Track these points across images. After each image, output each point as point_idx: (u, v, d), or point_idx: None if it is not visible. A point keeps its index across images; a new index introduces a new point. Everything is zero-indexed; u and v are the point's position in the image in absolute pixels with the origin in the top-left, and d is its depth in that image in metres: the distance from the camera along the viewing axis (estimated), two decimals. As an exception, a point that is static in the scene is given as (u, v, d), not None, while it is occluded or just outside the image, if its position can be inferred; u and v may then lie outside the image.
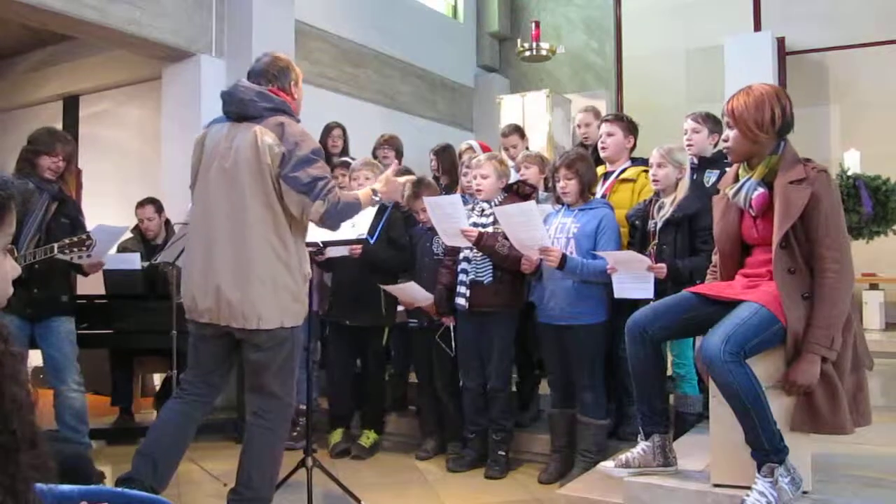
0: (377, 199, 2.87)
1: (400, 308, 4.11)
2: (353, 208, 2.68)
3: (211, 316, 2.60)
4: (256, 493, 2.59)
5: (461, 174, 4.23)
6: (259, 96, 2.63)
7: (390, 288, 3.85)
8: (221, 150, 2.62)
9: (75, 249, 3.10)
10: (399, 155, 5.25)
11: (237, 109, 2.65)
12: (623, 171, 3.82)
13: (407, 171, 4.50)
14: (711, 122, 3.77)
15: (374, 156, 5.32)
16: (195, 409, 2.73)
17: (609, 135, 3.82)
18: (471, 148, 4.83)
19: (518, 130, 4.88)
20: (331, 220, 2.61)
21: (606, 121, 3.90)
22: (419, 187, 4.02)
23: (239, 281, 2.54)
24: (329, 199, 2.55)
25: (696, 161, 3.69)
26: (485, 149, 4.78)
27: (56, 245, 3.10)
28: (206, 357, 2.74)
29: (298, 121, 2.71)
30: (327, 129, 5.36)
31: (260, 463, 2.62)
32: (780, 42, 6.84)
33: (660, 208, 3.32)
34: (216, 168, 2.62)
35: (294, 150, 2.54)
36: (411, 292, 3.83)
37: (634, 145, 3.89)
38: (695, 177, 3.55)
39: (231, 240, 2.56)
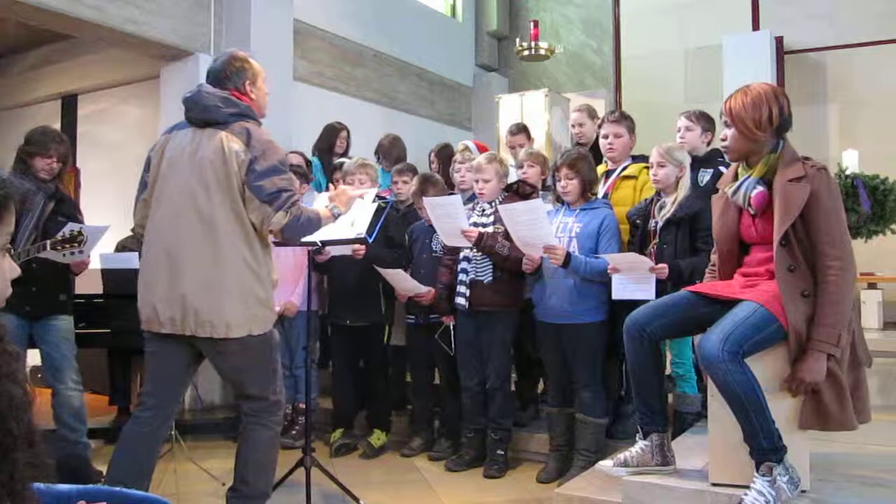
0: (337, 214, 2.82)
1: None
2: (313, 225, 2.64)
3: (174, 326, 2.52)
4: (254, 491, 2.59)
5: (453, 171, 4.21)
6: (224, 102, 2.56)
7: (383, 271, 3.85)
8: (186, 157, 2.55)
9: (68, 246, 3.09)
10: (402, 157, 5.18)
11: (201, 115, 2.58)
12: (624, 168, 3.81)
13: (410, 169, 4.50)
14: (704, 121, 3.76)
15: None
16: (157, 425, 2.63)
17: (617, 136, 3.78)
18: (467, 149, 4.81)
19: (525, 130, 4.87)
20: (290, 233, 2.55)
21: (612, 121, 3.83)
22: (424, 184, 4.03)
23: (207, 290, 2.47)
24: (292, 212, 2.50)
25: (689, 159, 3.68)
26: (481, 149, 4.78)
27: (49, 242, 3.09)
28: (166, 369, 2.65)
29: (261, 124, 2.65)
30: (334, 131, 5.36)
31: (256, 461, 2.61)
32: (779, 41, 6.84)
33: (661, 207, 3.32)
34: (180, 175, 2.55)
35: (260, 158, 2.49)
36: (402, 281, 3.83)
37: (634, 143, 3.88)
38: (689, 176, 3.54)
39: (199, 249, 2.49)
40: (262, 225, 2.52)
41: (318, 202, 3.24)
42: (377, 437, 4.13)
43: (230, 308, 2.49)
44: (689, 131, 3.75)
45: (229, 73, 2.64)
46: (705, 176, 3.57)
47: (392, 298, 4.14)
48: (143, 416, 2.62)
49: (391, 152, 5.26)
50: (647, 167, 3.72)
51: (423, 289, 3.81)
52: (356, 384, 4.26)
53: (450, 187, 4.43)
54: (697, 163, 3.67)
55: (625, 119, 3.84)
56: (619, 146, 3.79)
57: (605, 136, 3.82)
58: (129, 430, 2.62)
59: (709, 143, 3.79)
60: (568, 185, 3.42)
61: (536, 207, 3.30)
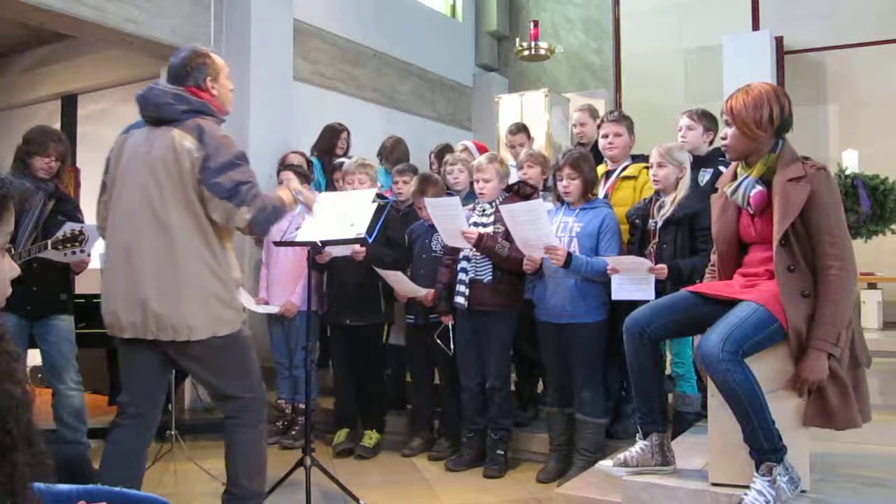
0: (300, 198, 2.78)
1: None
2: (280, 212, 2.58)
3: (135, 330, 2.46)
4: (247, 493, 2.56)
5: (445, 172, 4.21)
6: (175, 98, 2.48)
7: (382, 272, 3.85)
8: (141, 156, 2.48)
9: (68, 245, 3.09)
10: (405, 157, 5.19)
11: (154, 113, 2.50)
12: (624, 168, 3.81)
13: (411, 169, 4.51)
14: (706, 120, 3.76)
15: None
16: (140, 432, 2.58)
17: (617, 135, 3.78)
18: (466, 149, 4.81)
19: (525, 130, 4.87)
20: (258, 226, 2.50)
21: (612, 121, 3.84)
22: (424, 184, 4.03)
23: (167, 294, 2.41)
24: (255, 205, 2.43)
25: (690, 159, 3.68)
26: (481, 149, 4.78)
27: (49, 241, 3.09)
28: (140, 373, 2.59)
29: (223, 121, 2.59)
30: (335, 132, 5.36)
31: (244, 462, 2.57)
32: (779, 41, 6.84)
33: (660, 207, 3.32)
34: (136, 176, 2.48)
35: (214, 155, 2.41)
36: (401, 283, 3.84)
37: (633, 143, 3.88)
38: (690, 176, 3.54)
39: (157, 251, 2.43)
40: (227, 223, 2.45)
41: (318, 202, 3.24)
42: (369, 437, 4.12)
43: (191, 310, 2.42)
44: (691, 130, 3.75)
45: (189, 70, 2.55)
46: (705, 176, 3.57)
47: (392, 299, 4.14)
48: (124, 424, 2.57)
49: (393, 154, 5.26)
50: (648, 167, 3.72)
51: (422, 291, 3.81)
52: (357, 384, 4.25)
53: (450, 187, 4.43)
54: (698, 162, 3.67)
55: (624, 119, 3.85)
56: (618, 145, 3.79)
57: (605, 136, 3.82)
58: (113, 438, 2.57)
59: (710, 143, 3.79)
60: (570, 185, 3.42)
61: (537, 208, 3.30)
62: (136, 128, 2.59)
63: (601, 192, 3.71)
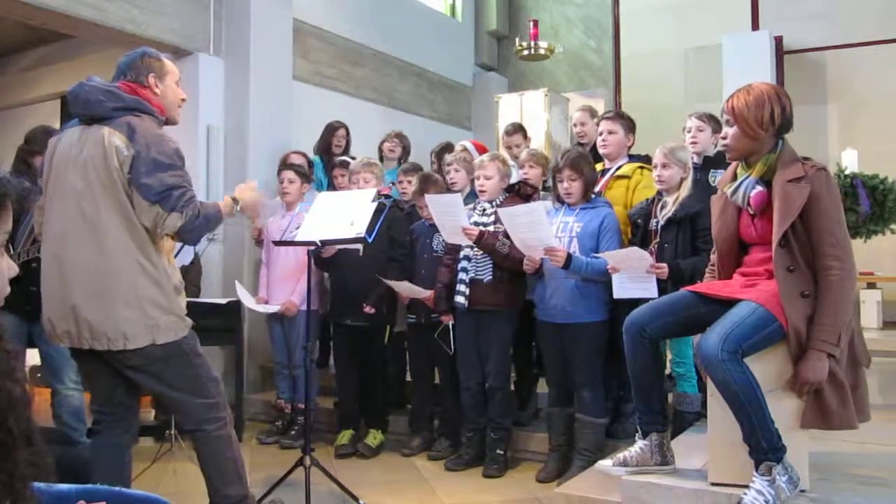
0: (237, 207, 2.63)
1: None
2: (213, 220, 2.45)
3: (71, 339, 2.35)
4: (231, 499, 2.51)
5: (444, 172, 4.22)
6: (106, 95, 2.36)
7: (388, 282, 3.85)
8: (73, 156, 2.36)
9: None
10: (406, 153, 5.31)
11: (83, 111, 2.38)
12: (619, 167, 3.82)
13: (415, 168, 4.51)
14: (715, 122, 3.78)
15: (380, 149, 5.34)
16: (119, 436, 2.51)
17: (610, 132, 3.81)
18: (465, 150, 4.81)
19: (521, 130, 4.88)
20: (189, 234, 2.38)
21: (607, 118, 3.88)
22: (425, 183, 4.03)
23: (98, 300, 2.29)
24: (187, 213, 2.30)
25: (698, 161, 3.69)
26: (480, 149, 4.77)
27: None
28: (100, 380, 2.49)
29: (163, 122, 2.48)
30: (332, 129, 5.37)
31: (217, 471, 2.51)
32: (778, 41, 6.84)
33: (662, 207, 3.32)
34: (67, 177, 2.36)
35: (145, 153, 2.27)
36: (407, 291, 3.85)
37: (633, 144, 3.89)
38: (698, 177, 3.54)
39: (86, 256, 2.31)
40: (155, 228, 2.32)
41: (319, 201, 3.24)
42: (373, 437, 4.12)
43: (125, 317, 2.29)
44: (701, 132, 3.79)
45: (132, 67, 2.46)
46: (716, 176, 3.57)
47: (393, 300, 4.14)
48: (102, 430, 2.52)
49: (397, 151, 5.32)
50: (641, 167, 3.73)
51: (426, 293, 3.82)
52: (360, 384, 4.25)
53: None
54: (708, 164, 3.67)
55: (620, 117, 3.87)
56: (611, 142, 3.81)
57: (601, 134, 3.86)
58: (94, 444, 2.53)
59: (716, 145, 3.80)
60: (571, 186, 3.42)
61: (536, 210, 3.30)
62: (70, 126, 2.48)
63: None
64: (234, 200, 2.63)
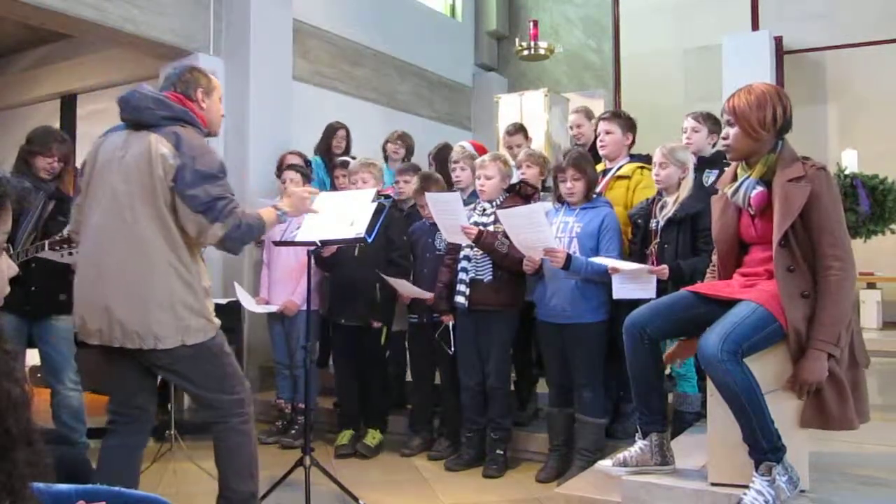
0: (284, 218, 2.68)
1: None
2: (256, 230, 2.51)
3: (102, 338, 2.40)
4: (240, 496, 2.53)
5: (450, 170, 4.22)
6: (156, 103, 2.43)
7: (388, 279, 3.86)
8: (116, 160, 2.43)
9: (66, 246, 3.10)
10: (409, 153, 5.28)
11: (132, 116, 2.45)
12: (619, 168, 3.82)
13: (413, 168, 4.51)
14: (711, 122, 3.79)
15: (384, 150, 5.33)
16: (132, 437, 2.55)
17: (608, 133, 3.82)
18: (465, 150, 4.81)
19: (523, 130, 4.87)
20: (231, 243, 2.43)
21: (604, 119, 3.89)
22: (426, 182, 4.03)
23: (133, 302, 2.35)
24: (229, 223, 2.36)
25: (695, 160, 3.69)
26: (479, 149, 4.76)
27: (46, 242, 3.10)
28: (121, 380, 2.54)
29: (208, 133, 2.55)
30: (332, 130, 5.37)
31: (232, 464, 2.54)
32: (778, 41, 6.85)
33: (662, 207, 3.32)
34: (109, 180, 2.42)
35: (191, 164, 2.34)
36: (406, 289, 3.85)
37: (633, 142, 3.89)
38: (693, 176, 3.55)
39: (123, 257, 2.37)
40: (198, 237, 2.39)
41: (319, 202, 3.24)
42: (372, 437, 4.12)
43: (157, 318, 2.35)
44: (696, 132, 3.79)
45: (182, 78, 2.54)
46: (710, 177, 3.59)
47: (393, 300, 4.14)
48: (116, 430, 2.54)
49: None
50: (642, 167, 3.73)
51: (427, 294, 3.82)
52: (359, 383, 4.25)
53: (450, 186, 4.44)
54: (703, 164, 3.68)
55: (617, 117, 3.87)
56: (609, 142, 3.81)
57: (598, 134, 3.87)
58: (107, 443, 2.55)
59: (714, 145, 3.81)
60: (574, 186, 3.42)
61: (535, 211, 3.29)
62: (114, 130, 2.55)
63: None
64: (279, 209, 2.66)
